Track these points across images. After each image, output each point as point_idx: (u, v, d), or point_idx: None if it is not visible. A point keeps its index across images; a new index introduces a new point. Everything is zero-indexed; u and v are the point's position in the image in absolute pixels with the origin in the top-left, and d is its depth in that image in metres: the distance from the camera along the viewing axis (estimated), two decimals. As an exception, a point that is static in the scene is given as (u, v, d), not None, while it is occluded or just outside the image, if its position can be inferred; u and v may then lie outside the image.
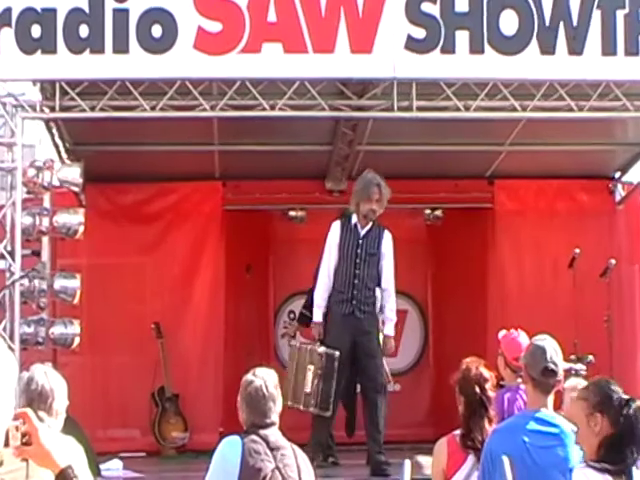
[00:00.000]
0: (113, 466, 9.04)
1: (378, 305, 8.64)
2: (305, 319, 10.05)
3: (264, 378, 5.17)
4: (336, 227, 8.66)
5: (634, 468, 4.23)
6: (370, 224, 8.57)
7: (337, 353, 8.34)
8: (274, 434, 5.08)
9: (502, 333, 6.40)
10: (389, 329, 8.64)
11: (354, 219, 8.59)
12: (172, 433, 10.39)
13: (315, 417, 8.55)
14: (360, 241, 8.54)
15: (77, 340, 8.85)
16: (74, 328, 8.81)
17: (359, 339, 8.48)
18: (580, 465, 4.24)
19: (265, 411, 5.09)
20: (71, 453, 5.13)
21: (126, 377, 10.42)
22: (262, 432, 5.04)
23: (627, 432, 4.20)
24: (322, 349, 8.39)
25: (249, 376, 5.21)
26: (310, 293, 9.86)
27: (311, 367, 8.41)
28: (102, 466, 8.53)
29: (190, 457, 9.80)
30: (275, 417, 5.14)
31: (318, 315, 8.64)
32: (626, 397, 4.28)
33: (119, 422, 10.41)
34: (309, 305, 9.84)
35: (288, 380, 8.55)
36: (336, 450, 9.21)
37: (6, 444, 2.96)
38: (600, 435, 4.31)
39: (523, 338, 6.30)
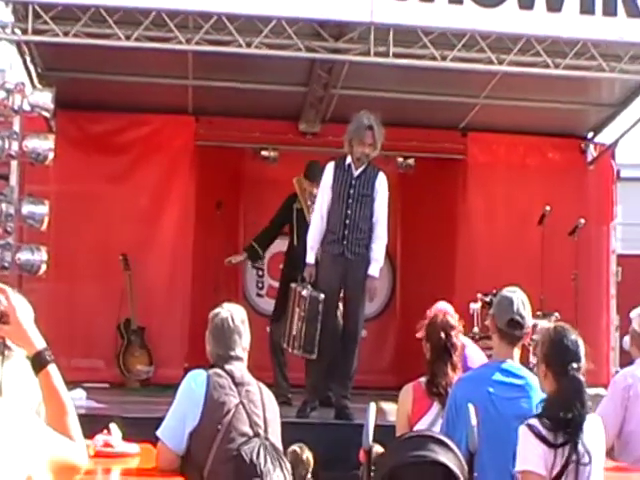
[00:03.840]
0: (76, 395, 9.04)
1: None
2: (254, 254, 10.01)
3: (231, 311, 5.18)
4: (330, 168, 8.50)
5: (582, 428, 4.27)
6: (364, 165, 8.41)
7: (322, 296, 8.24)
8: (240, 369, 5.08)
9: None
10: (373, 270, 8.34)
11: (348, 159, 8.43)
12: (137, 366, 10.43)
13: (307, 361, 8.52)
14: (353, 181, 8.38)
15: (44, 267, 8.81)
16: (41, 255, 8.74)
17: (347, 281, 8.38)
18: (530, 419, 4.31)
19: (229, 344, 5.09)
20: (34, 379, 5.17)
21: (92, 307, 10.42)
22: (227, 367, 5.04)
23: (567, 392, 4.26)
24: (305, 292, 8.30)
25: (217, 309, 5.23)
26: (265, 231, 9.87)
27: (297, 310, 8.36)
28: (66, 395, 8.55)
29: (154, 390, 9.81)
30: (240, 352, 5.13)
31: (311, 257, 8.48)
32: (573, 354, 4.31)
33: (83, 352, 10.39)
34: (260, 240, 9.88)
35: (285, 323, 8.58)
36: (288, 390, 9.23)
37: None
38: (546, 387, 4.39)
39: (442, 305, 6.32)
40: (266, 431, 4.98)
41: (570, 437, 4.22)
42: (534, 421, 4.27)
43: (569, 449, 4.22)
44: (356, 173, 8.42)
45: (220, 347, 5.11)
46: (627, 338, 6.64)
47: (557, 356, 4.34)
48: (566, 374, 4.28)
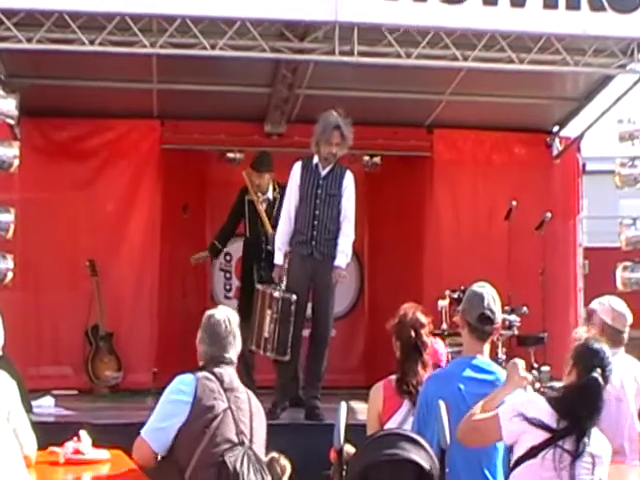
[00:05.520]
0: (45, 403, 9.04)
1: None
2: (215, 250, 10.17)
3: (227, 313, 5.17)
4: (297, 168, 8.49)
5: (591, 431, 4.33)
6: (332, 165, 8.42)
7: (294, 297, 8.23)
8: (229, 374, 5.05)
9: None
10: (340, 261, 8.31)
11: (315, 159, 8.43)
12: (105, 372, 10.36)
13: (278, 362, 8.49)
14: (321, 182, 8.38)
15: (10, 275, 8.76)
16: (7, 263, 8.70)
17: (316, 282, 8.37)
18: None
19: (225, 345, 5.07)
20: (4, 388, 5.16)
21: (59, 314, 10.36)
22: (217, 370, 5.02)
23: (586, 388, 4.33)
24: (277, 293, 8.30)
25: (212, 310, 5.21)
26: (223, 228, 10.02)
27: (269, 312, 8.34)
28: (34, 403, 8.49)
29: (123, 396, 9.71)
30: (233, 355, 5.11)
31: (279, 258, 8.47)
32: (602, 362, 4.39)
33: (52, 359, 10.35)
34: (219, 236, 10.04)
35: (252, 325, 8.51)
36: (254, 393, 9.18)
37: None
38: (568, 379, 4.46)
39: (440, 346, 6.33)
40: (251, 441, 4.95)
41: (572, 428, 4.28)
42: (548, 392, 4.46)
43: (571, 442, 4.27)
44: (323, 173, 8.44)
45: (216, 348, 5.08)
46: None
47: (586, 356, 4.42)
48: (589, 374, 4.35)
